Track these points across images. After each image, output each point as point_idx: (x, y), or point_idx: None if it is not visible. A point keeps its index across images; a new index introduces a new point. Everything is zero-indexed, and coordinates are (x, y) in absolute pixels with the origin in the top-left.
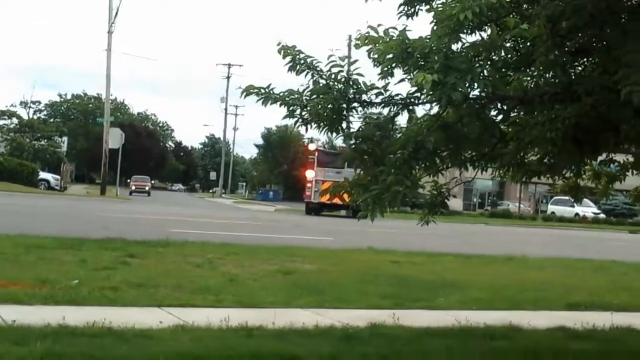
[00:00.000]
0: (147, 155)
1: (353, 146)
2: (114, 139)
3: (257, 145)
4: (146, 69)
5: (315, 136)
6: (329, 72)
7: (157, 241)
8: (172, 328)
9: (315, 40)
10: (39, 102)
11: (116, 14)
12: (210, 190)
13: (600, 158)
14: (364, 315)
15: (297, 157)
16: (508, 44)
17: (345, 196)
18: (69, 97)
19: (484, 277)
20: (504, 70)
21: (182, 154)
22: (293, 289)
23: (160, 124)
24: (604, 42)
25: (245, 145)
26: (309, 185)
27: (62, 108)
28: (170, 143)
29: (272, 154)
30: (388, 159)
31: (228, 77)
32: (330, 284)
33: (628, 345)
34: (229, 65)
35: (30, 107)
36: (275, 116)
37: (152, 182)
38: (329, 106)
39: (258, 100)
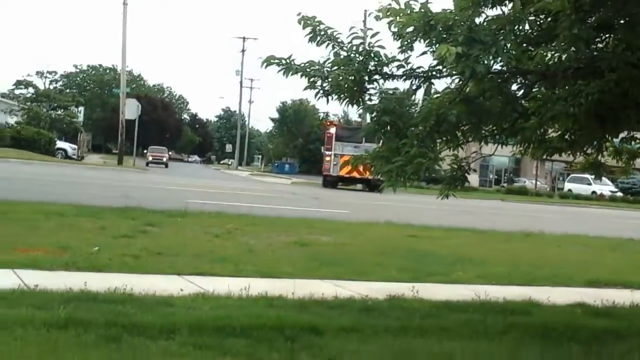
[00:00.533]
0: (163, 126)
1: (375, 119)
2: (130, 109)
3: (272, 119)
4: (163, 41)
5: (331, 111)
6: (350, 44)
7: (175, 211)
8: (193, 296)
9: (332, 14)
10: (55, 72)
11: None
12: (222, 162)
13: (621, 135)
14: (383, 287)
15: (312, 130)
16: (531, 18)
17: (363, 169)
18: (84, 67)
19: (501, 252)
20: (524, 45)
21: (197, 126)
22: (311, 260)
23: (176, 97)
24: (627, 18)
25: (261, 119)
26: (327, 158)
27: (78, 79)
28: (185, 115)
29: (288, 127)
30: (410, 132)
31: (243, 51)
32: (348, 256)
33: None
34: (244, 39)
35: (46, 77)
36: (290, 90)
37: (170, 153)
38: (350, 78)
39: (279, 71)
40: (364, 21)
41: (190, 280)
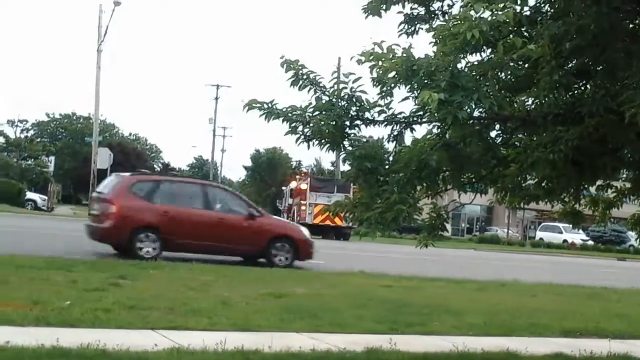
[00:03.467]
0: None
1: (355, 164)
2: (102, 159)
3: (245, 167)
4: (136, 90)
5: (303, 159)
6: (332, 89)
7: (147, 263)
8: (168, 351)
9: (306, 60)
10: (26, 121)
11: (105, 32)
12: None
13: (598, 183)
14: (360, 340)
15: (285, 179)
16: (511, 64)
17: (337, 219)
18: (57, 116)
19: (477, 302)
20: (502, 91)
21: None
22: (286, 312)
23: (149, 146)
24: (606, 64)
25: (234, 167)
26: (303, 208)
27: (50, 127)
28: (158, 164)
29: (261, 176)
30: (391, 178)
31: (216, 98)
32: (324, 307)
33: None
34: (218, 86)
35: (17, 125)
36: (264, 138)
37: None
38: (332, 123)
39: (261, 115)
40: (338, 68)
41: (164, 335)
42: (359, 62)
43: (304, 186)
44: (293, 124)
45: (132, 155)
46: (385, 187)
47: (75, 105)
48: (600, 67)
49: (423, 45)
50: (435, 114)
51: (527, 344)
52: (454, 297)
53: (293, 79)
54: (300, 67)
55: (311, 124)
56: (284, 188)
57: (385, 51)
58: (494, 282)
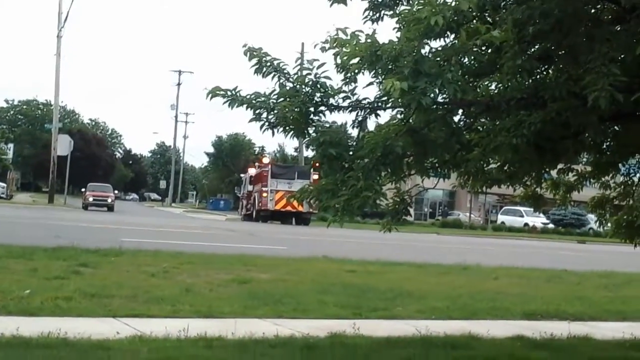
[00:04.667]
0: (96, 163)
1: (320, 151)
2: (62, 146)
3: (207, 154)
4: (97, 75)
5: (267, 145)
6: (296, 75)
7: (109, 250)
8: (130, 339)
9: (270, 47)
10: None
11: (66, 18)
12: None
13: (559, 167)
14: (324, 325)
15: (248, 165)
16: (475, 49)
17: (296, 204)
18: (16, 103)
19: (440, 286)
20: (465, 77)
21: (131, 161)
22: (250, 298)
23: (110, 132)
24: (569, 49)
25: (196, 154)
26: (264, 194)
27: (9, 114)
28: (119, 150)
29: (223, 162)
30: (357, 164)
31: (179, 84)
32: (287, 293)
33: (586, 354)
34: (180, 72)
35: None
36: (226, 124)
37: (115, 192)
38: (296, 109)
39: (224, 103)
40: (302, 54)
41: (126, 323)
42: (323, 49)
43: (264, 173)
44: (257, 111)
45: (92, 142)
46: (351, 173)
47: (35, 91)
48: (563, 51)
49: (387, 32)
50: (399, 100)
51: (488, 326)
52: (417, 281)
53: (256, 66)
54: (263, 55)
55: (275, 111)
56: (242, 175)
57: (348, 37)
58: (456, 265)
